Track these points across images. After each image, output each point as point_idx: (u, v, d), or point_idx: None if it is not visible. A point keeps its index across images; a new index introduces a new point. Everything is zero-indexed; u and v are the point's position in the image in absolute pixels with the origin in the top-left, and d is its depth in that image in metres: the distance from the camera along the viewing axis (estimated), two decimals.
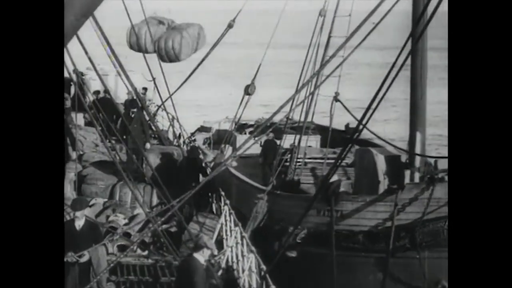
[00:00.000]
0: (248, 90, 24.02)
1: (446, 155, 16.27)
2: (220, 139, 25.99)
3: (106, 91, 21.89)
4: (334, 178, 17.92)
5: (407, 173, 17.93)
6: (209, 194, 19.66)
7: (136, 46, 23.23)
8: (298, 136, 21.87)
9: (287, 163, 21.70)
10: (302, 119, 21.57)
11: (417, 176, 17.83)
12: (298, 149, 21.56)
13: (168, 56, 22.83)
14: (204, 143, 27.25)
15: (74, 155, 18.38)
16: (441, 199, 16.23)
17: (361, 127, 12.95)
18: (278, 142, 23.17)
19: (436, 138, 34.75)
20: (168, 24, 23.11)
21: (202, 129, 30.15)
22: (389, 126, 39.17)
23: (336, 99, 20.54)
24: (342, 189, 18.11)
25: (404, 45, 12.93)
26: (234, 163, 20.61)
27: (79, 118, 26.11)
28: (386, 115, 41.46)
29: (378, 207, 16.77)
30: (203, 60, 24.37)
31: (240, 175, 20.67)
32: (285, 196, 18.70)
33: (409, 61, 15.53)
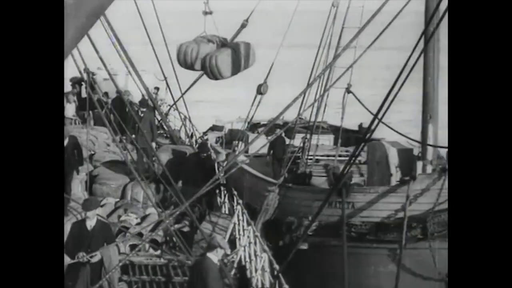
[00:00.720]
0: (261, 90, 23.95)
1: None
2: (232, 138, 25.92)
3: (119, 91, 21.86)
4: None
5: (419, 165, 17.84)
6: (217, 192, 19.57)
7: (184, 63, 23.39)
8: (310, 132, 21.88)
9: (299, 156, 21.70)
10: (314, 113, 21.49)
11: (429, 168, 17.72)
12: (310, 141, 21.50)
13: (212, 74, 22.90)
14: (216, 142, 27.16)
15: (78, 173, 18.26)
16: None
17: (376, 122, 12.88)
18: (287, 140, 23.08)
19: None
20: (217, 42, 23.19)
21: (214, 128, 30.06)
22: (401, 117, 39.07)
23: (348, 90, 20.45)
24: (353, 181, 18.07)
25: (417, 43, 12.84)
26: (247, 160, 20.46)
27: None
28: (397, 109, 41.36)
29: (390, 198, 16.70)
30: None
31: (251, 170, 20.58)
32: (296, 188, 18.62)
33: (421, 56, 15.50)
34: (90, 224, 11.97)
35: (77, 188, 17.36)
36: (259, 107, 23.18)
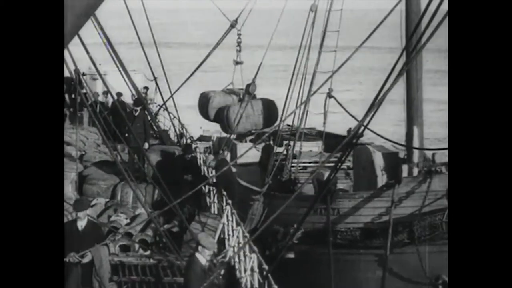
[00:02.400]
0: (249, 89, 24.02)
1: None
2: (221, 147, 25.86)
3: (108, 91, 21.94)
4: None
5: (405, 168, 17.87)
6: (207, 192, 19.62)
7: (201, 110, 23.86)
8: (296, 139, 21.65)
9: (283, 162, 21.36)
10: (297, 119, 21.34)
11: (415, 171, 17.71)
12: (293, 148, 21.28)
13: (223, 127, 23.24)
14: (204, 152, 27.07)
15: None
16: (438, 192, 16.17)
17: (362, 128, 12.95)
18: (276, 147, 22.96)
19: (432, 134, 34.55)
20: (239, 96, 23.44)
21: (202, 138, 30.04)
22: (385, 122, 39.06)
23: (329, 95, 20.41)
24: (340, 187, 18.05)
25: (404, 48, 12.92)
26: (234, 169, 20.50)
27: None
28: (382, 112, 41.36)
29: (375, 202, 16.71)
30: (204, 60, 24.43)
31: (239, 180, 20.53)
32: (280, 196, 18.48)
33: (404, 58, 15.60)
34: (81, 224, 11.99)
35: (68, 188, 17.39)
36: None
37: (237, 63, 22.68)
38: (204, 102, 24.07)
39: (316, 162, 22.23)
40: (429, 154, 18.14)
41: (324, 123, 21.62)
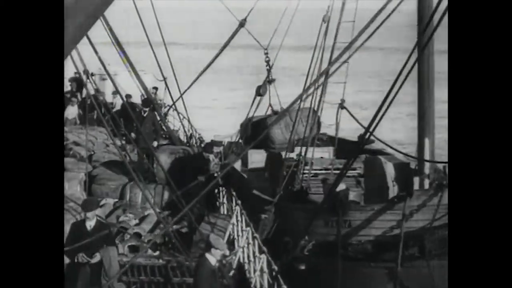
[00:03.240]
0: (260, 91, 23.98)
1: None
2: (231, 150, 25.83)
3: (117, 91, 21.91)
4: (342, 187, 17.75)
5: (417, 180, 17.74)
6: (217, 193, 19.58)
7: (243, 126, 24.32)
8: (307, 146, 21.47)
9: (294, 169, 21.08)
10: (308, 129, 21.23)
11: (426, 182, 17.70)
12: (304, 158, 21.04)
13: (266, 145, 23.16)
14: (215, 157, 27.04)
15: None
16: None
17: (368, 134, 12.87)
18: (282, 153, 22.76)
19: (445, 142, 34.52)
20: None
21: (213, 143, 29.98)
22: (396, 126, 39.02)
23: (342, 106, 20.35)
24: (351, 198, 17.91)
25: (411, 53, 12.85)
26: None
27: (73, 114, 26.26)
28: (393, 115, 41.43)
29: (386, 215, 16.60)
30: (213, 60, 24.40)
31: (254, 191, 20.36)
32: (292, 207, 18.36)
33: (416, 66, 15.50)
34: (90, 224, 11.98)
35: (76, 189, 17.36)
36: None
37: (269, 81, 22.42)
38: (246, 123, 24.35)
39: (327, 169, 22.14)
40: (440, 164, 18.01)
41: (336, 134, 21.55)
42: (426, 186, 17.61)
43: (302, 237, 16.72)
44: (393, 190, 18.03)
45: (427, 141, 18.00)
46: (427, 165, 17.88)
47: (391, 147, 17.94)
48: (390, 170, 18.28)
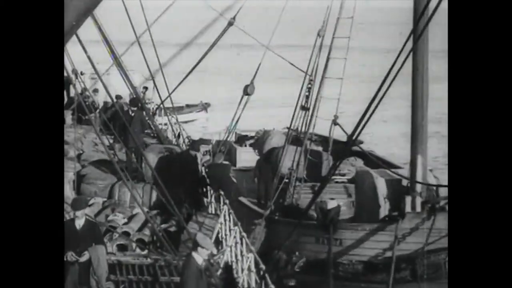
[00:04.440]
0: (247, 90, 24.00)
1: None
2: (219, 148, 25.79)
3: (106, 91, 21.89)
4: (333, 204, 17.70)
5: (408, 200, 17.57)
6: (204, 191, 19.61)
7: (257, 146, 24.36)
8: (298, 150, 21.09)
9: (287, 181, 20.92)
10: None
11: (418, 201, 17.53)
12: (296, 172, 20.80)
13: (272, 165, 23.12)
14: (204, 155, 27.05)
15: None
16: (442, 230, 15.97)
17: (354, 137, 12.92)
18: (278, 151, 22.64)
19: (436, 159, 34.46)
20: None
21: (201, 141, 30.01)
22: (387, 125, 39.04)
23: (335, 122, 20.36)
24: (343, 208, 17.85)
25: (403, 47, 12.88)
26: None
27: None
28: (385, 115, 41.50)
29: (378, 236, 16.55)
30: (201, 59, 24.36)
31: (244, 200, 20.29)
32: (284, 222, 18.24)
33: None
34: (79, 223, 12.00)
35: (66, 188, 17.38)
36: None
37: (303, 107, 22.32)
38: (262, 138, 24.30)
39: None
40: (432, 181, 17.86)
41: (329, 149, 21.50)
42: (418, 204, 17.48)
43: (293, 253, 16.74)
44: (384, 208, 17.94)
45: (419, 159, 17.90)
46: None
47: (384, 167, 17.85)
48: (381, 186, 18.15)
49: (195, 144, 20.08)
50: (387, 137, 36.31)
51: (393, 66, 12.17)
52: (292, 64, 22.38)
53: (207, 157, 20.64)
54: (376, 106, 12.36)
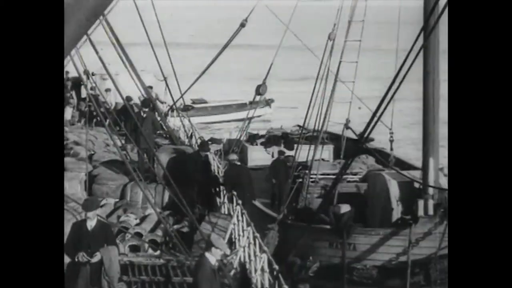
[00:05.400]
0: (260, 90, 23.97)
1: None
2: (231, 148, 25.74)
3: (118, 91, 21.88)
4: (347, 208, 17.64)
5: (421, 204, 17.51)
6: (217, 192, 19.55)
7: None
8: (311, 150, 21.13)
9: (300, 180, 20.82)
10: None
11: (431, 203, 17.46)
12: (309, 176, 20.77)
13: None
14: (215, 155, 27.02)
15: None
16: None
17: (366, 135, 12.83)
18: (289, 153, 22.47)
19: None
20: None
21: (212, 141, 29.96)
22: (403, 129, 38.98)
23: (347, 126, 20.34)
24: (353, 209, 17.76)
25: (412, 46, 12.78)
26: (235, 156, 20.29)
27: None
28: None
29: (392, 241, 16.51)
30: (214, 60, 24.38)
31: (258, 203, 20.21)
32: (297, 226, 18.15)
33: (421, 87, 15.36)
34: (91, 224, 11.96)
35: (77, 188, 17.35)
36: None
37: (346, 127, 22.14)
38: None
39: (327, 174, 21.92)
40: (444, 183, 17.79)
41: (342, 153, 21.43)
42: (430, 207, 17.40)
43: (307, 258, 16.67)
44: (397, 210, 17.89)
45: (431, 161, 17.84)
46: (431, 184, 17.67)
47: (396, 170, 17.80)
48: (394, 188, 18.12)
49: (204, 145, 20.00)
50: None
51: (402, 65, 12.09)
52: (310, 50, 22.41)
53: (234, 156, 20.34)
54: (387, 105, 12.29)
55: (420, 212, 17.19)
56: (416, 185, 18.07)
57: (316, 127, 21.65)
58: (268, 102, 45.46)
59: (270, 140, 26.56)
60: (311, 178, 20.96)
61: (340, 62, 21.12)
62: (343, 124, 20.92)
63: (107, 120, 17.69)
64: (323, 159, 22.93)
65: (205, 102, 47.88)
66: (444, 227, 16.09)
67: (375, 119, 11.88)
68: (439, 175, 18.06)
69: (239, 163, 19.93)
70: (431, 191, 17.59)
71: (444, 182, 17.89)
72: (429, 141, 17.98)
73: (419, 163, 19.51)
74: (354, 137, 22.03)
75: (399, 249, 16.53)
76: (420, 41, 11.69)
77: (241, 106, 43.34)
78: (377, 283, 16.70)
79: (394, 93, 11.96)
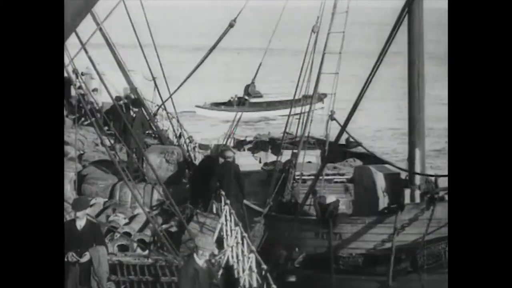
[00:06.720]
0: (248, 90, 24.03)
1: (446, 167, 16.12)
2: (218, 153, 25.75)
3: (107, 91, 21.87)
4: (332, 199, 17.75)
5: (407, 193, 17.74)
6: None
7: None
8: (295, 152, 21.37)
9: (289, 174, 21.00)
10: (299, 134, 21.27)
11: (417, 193, 17.64)
12: (294, 168, 21.00)
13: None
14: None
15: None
16: (441, 220, 16.03)
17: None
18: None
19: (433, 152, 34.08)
20: None
21: (201, 146, 29.94)
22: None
23: (331, 117, 20.40)
24: (342, 207, 17.86)
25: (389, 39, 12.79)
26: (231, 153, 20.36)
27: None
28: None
29: (378, 228, 16.59)
30: (202, 60, 24.35)
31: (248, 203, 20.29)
32: (282, 218, 18.28)
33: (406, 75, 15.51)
34: (80, 224, 11.99)
35: (67, 188, 17.38)
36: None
37: (331, 118, 22.27)
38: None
39: (315, 175, 21.82)
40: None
41: (326, 144, 21.51)
42: (417, 197, 17.58)
43: (293, 249, 16.74)
44: (383, 201, 18.00)
45: (417, 152, 17.96)
46: (417, 176, 17.85)
47: (383, 161, 17.91)
48: (380, 180, 18.25)
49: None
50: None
51: (380, 57, 12.16)
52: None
53: (230, 153, 20.36)
54: (366, 87, 12.39)
55: (407, 201, 17.39)
56: (403, 176, 18.26)
57: (301, 121, 21.67)
58: (321, 97, 44.95)
59: (258, 145, 26.64)
60: (297, 177, 21.02)
61: (323, 54, 21.16)
62: (328, 115, 20.90)
63: (93, 119, 17.71)
64: (309, 162, 23.04)
65: (260, 96, 47.16)
66: (431, 212, 16.18)
67: (359, 99, 11.98)
68: (425, 167, 18.21)
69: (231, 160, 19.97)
70: (417, 181, 17.74)
71: (431, 178, 18.01)
72: (415, 131, 18.11)
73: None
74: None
75: (385, 237, 16.58)
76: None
77: (295, 102, 42.70)
78: (364, 271, 16.76)
79: (375, 71, 11.99)
